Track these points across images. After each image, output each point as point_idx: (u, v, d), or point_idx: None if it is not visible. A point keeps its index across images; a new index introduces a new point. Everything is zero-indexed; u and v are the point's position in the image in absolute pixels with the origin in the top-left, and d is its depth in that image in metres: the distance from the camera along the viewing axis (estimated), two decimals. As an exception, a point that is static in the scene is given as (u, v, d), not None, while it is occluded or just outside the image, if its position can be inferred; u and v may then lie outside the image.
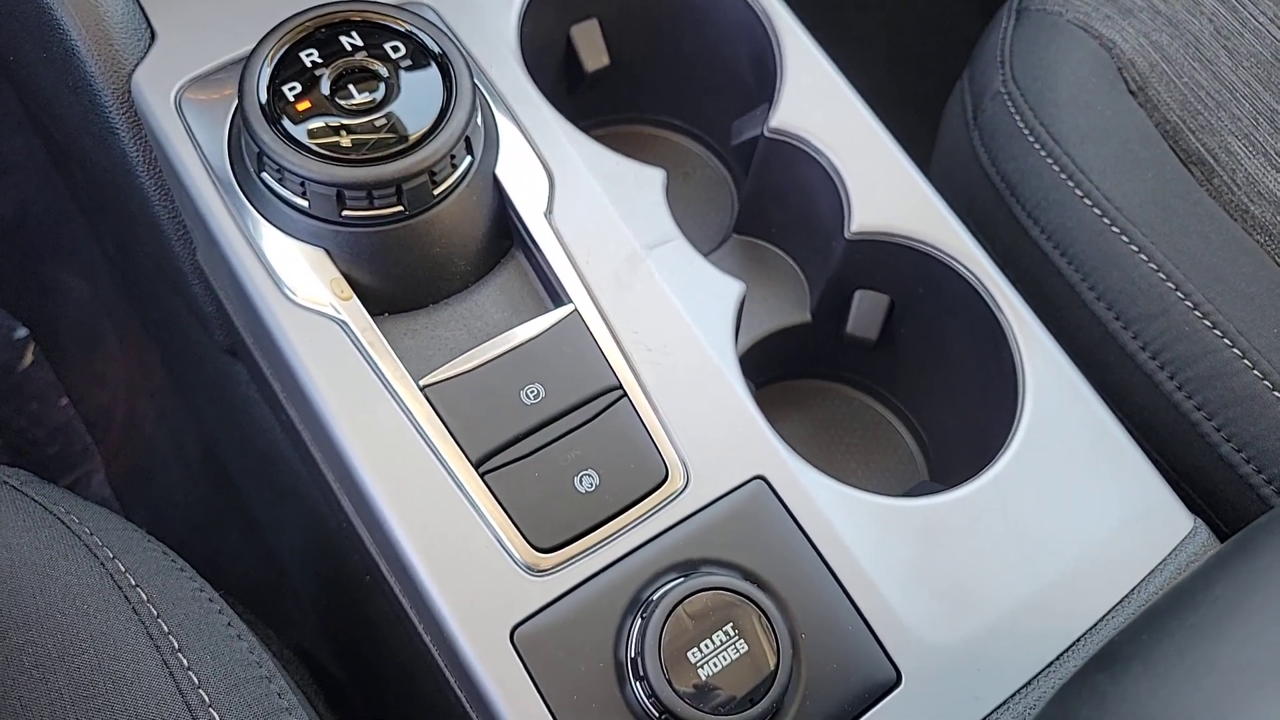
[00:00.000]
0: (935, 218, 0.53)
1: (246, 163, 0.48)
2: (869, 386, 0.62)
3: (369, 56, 0.47)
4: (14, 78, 0.64)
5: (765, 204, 0.61)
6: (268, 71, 0.46)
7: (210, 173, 0.49)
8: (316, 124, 0.46)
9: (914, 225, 0.53)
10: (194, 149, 0.49)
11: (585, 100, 0.66)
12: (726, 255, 0.63)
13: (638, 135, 0.70)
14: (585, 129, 0.68)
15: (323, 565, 0.68)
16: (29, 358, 1.19)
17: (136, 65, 0.51)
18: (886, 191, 0.54)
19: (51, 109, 0.59)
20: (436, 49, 0.47)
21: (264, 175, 0.47)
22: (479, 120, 0.49)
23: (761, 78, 0.60)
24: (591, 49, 0.63)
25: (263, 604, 0.89)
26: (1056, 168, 0.60)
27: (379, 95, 0.47)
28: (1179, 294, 0.55)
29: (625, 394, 0.47)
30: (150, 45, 0.51)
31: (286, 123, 0.46)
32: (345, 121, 0.46)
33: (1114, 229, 0.57)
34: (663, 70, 0.65)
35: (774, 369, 0.62)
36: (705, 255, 0.62)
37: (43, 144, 1.03)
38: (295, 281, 0.47)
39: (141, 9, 0.52)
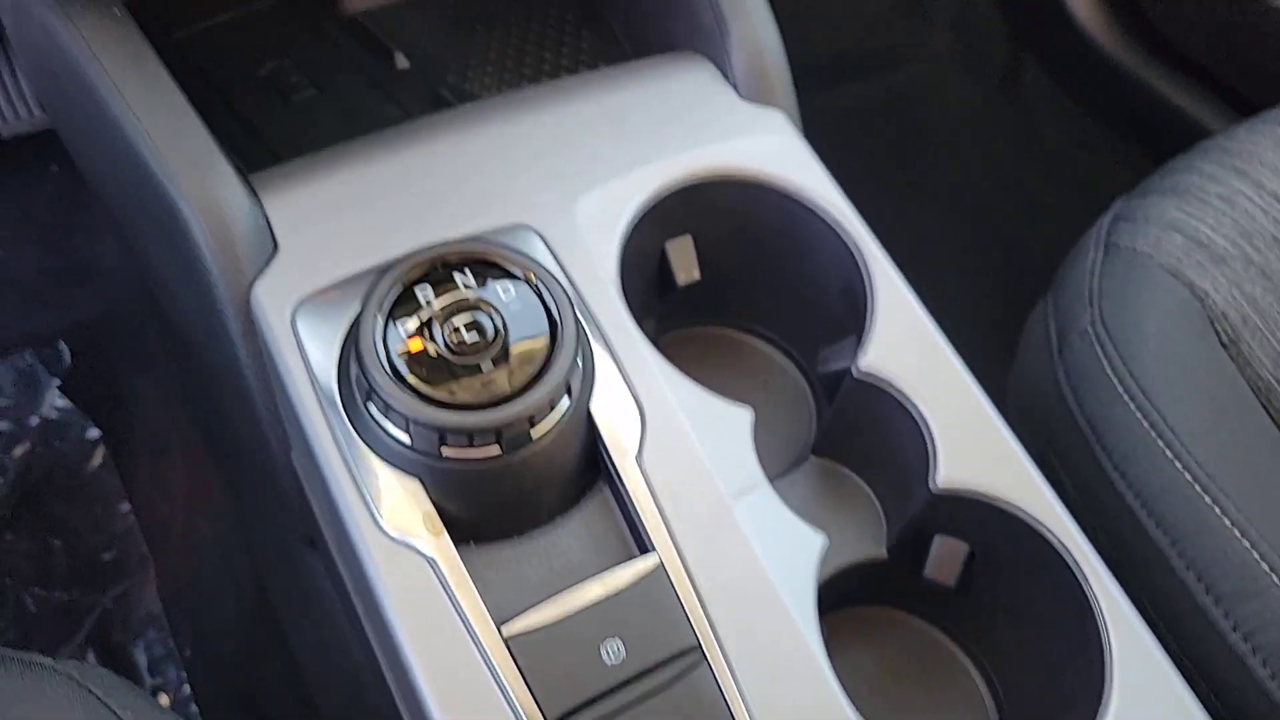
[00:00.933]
0: (1026, 481, 0.53)
1: (354, 390, 0.49)
2: (945, 626, 0.61)
3: (480, 297, 0.49)
4: (137, 257, 0.67)
5: (847, 435, 0.61)
6: (383, 315, 0.47)
7: (317, 392, 0.50)
8: (425, 363, 0.47)
9: (1003, 486, 0.53)
10: (304, 367, 0.51)
11: (672, 304, 0.67)
12: (803, 478, 0.63)
13: (721, 338, 0.71)
14: (669, 329, 0.69)
15: None
16: (98, 459, 1.21)
17: (257, 276, 0.53)
18: (976, 448, 0.54)
19: (169, 294, 0.61)
20: (548, 298, 0.49)
21: (370, 405, 0.48)
22: (579, 360, 0.50)
23: (850, 307, 0.61)
24: (684, 264, 0.64)
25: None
26: (1146, 423, 0.59)
27: (487, 334, 0.48)
28: (1274, 576, 0.54)
29: (705, 657, 0.46)
30: (272, 256, 0.54)
31: (396, 359, 0.47)
32: (452, 363, 0.47)
33: (1205, 498, 0.56)
34: (751, 286, 0.66)
35: (847, 597, 0.61)
36: (782, 475, 0.62)
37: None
38: (388, 510, 0.48)
39: (267, 222, 0.54)
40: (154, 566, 1.13)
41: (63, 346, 1.25)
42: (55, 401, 1.24)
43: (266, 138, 0.74)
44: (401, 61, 0.77)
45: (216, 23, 0.80)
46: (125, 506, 1.18)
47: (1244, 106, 1.14)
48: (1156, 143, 1.24)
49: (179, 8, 0.80)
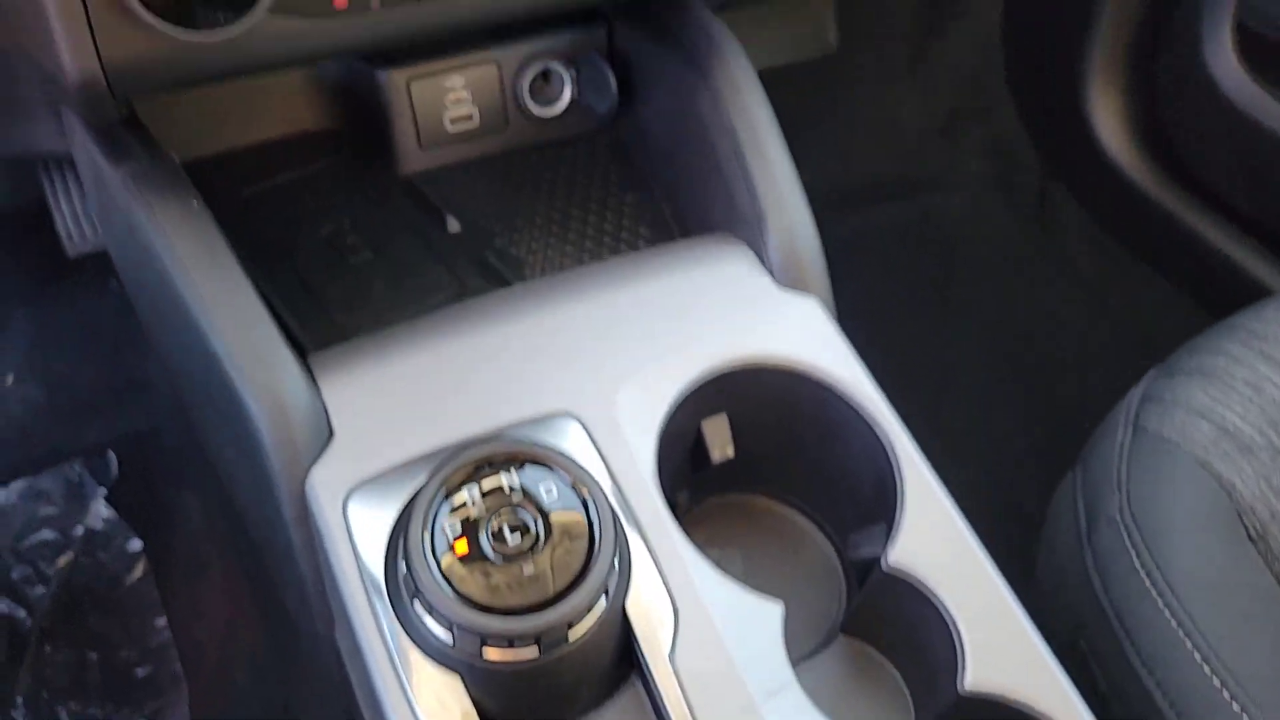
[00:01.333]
0: (1054, 687, 0.54)
1: (400, 585, 0.51)
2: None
3: (525, 498, 0.51)
4: (197, 436, 0.70)
5: (876, 620, 0.62)
6: (430, 521, 0.50)
7: (365, 581, 0.52)
8: (468, 565, 0.49)
9: (1031, 691, 0.54)
10: (353, 556, 0.53)
11: (706, 476, 0.69)
12: (832, 659, 0.63)
13: (753, 506, 0.73)
14: (702, 499, 0.71)
15: None
16: (138, 571, 1.24)
17: (313, 463, 0.56)
18: (1005, 651, 0.55)
19: (223, 460, 0.64)
20: (591, 508, 0.50)
21: (415, 603, 0.50)
22: (616, 562, 0.52)
23: (880, 494, 0.62)
24: (719, 442, 0.67)
25: None
26: (1174, 623, 0.60)
27: (530, 533, 0.50)
28: (1305, 796, 0.54)
29: None
30: (327, 443, 0.56)
31: (444, 560, 0.49)
32: (496, 567, 0.49)
33: (1234, 705, 0.56)
34: (784, 465, 0.68)
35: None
36: (812, 654, 0.63)
37: None
38: (427, 704, 0.50)
39: (324, 408, 0.57)
40: (188, 687, 1.14)
41: (112, 456, 1.28)
42: (101, 512, 1.27)
43: (323, 298, 0.78)
44: (453, 225, 0.82)
45: (282, 181, 0.85)
46: (161, 621, 1.20)
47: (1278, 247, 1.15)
48: (1190, 278, 1.25)
49: (248, 167, 0.85)
